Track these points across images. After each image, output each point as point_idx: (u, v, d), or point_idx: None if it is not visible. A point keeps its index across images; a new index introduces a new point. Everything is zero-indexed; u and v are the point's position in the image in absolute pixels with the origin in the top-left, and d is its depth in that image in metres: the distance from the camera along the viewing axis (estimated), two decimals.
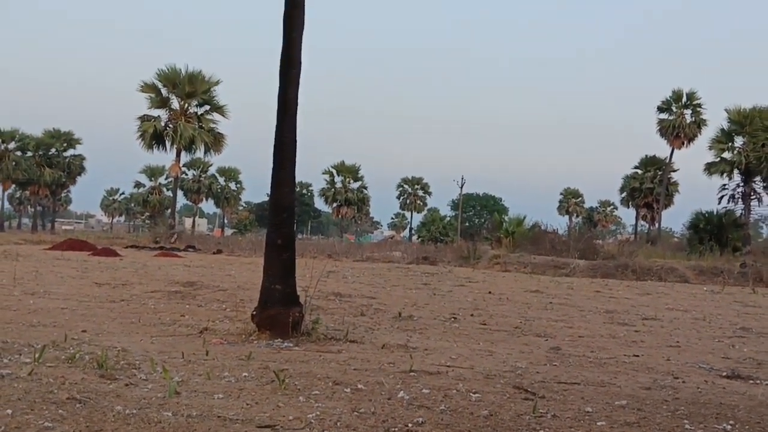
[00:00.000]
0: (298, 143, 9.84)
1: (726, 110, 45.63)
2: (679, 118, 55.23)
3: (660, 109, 56.22)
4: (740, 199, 45.15)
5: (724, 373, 7.13)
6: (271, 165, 9.81)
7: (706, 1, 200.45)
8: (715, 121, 51.90)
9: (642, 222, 72.54)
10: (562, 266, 29.39)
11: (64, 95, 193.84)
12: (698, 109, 55.45)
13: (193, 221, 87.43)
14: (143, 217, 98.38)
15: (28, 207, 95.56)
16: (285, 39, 9.96)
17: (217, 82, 45.17)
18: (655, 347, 9.17)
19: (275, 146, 9.78)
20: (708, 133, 50.83)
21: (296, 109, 9.70)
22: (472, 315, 12.17)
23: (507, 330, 10.34)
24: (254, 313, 8.68)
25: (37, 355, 5.81)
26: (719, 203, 45.15)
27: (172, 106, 45.30)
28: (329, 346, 7.75)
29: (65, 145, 74.40)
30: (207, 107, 45.85)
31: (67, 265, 20.65)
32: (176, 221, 53.09)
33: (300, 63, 9.84)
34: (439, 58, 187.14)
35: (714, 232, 39.74)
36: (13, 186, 76.23)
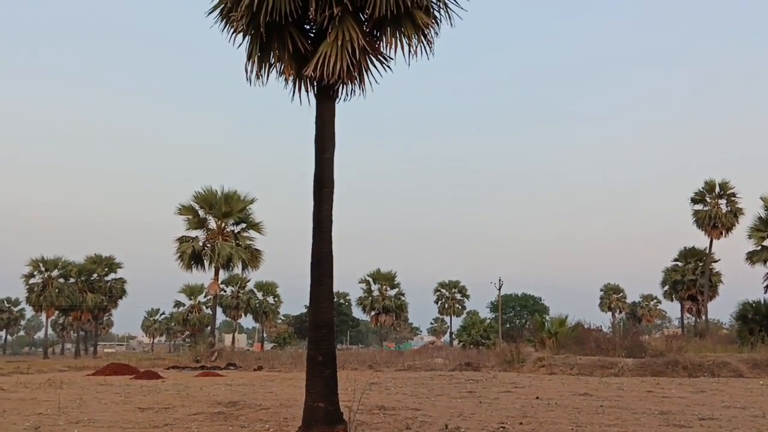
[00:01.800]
0: (334, 257, 9.99)
1: (762, 198, 45.27)
2: (714, 209, 54.78)
3: (694, 201, 55.91)
4: None
5: None
6: (309, 278, 9.94)
7: (726, 93, 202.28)
8: (752, 208, 51.39)
9: (688, 315, 70.83)
10: (609, 366, 28.61)
11: (106, 222, 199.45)
12: (733, 198, 55.04)
13: (233, 338, 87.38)
14: (183, 336, 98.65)
15: (71, 332, 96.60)
16: (317, 159, 10.30)
17: (252, 201, 46.29)
18: None
19: (312, 262, 9.94)
20: (746, 222, 50.30)
21: (331, 225, 9.91)
22: (521, 423, 11.85)
23: None
24: None
25: None
26: (765, 292, 44.09)
27: (209, 226, 46.30)
28: None
29: (107, 269, 75.92)
30: (243, 225, 46.76)
31: (110, 390, 20.68)
32: (216, 339, 53.20)
33: (332, 182, 10.12)
34: (466, 163, 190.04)
35: (764, 322, 38.55)
36: (57, 312, 77.39)
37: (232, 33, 10.70)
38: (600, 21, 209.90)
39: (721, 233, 55.14)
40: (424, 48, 10.77)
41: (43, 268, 71.32)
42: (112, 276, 76.59)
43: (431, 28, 10.78)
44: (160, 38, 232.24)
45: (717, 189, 55.39)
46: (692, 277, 65.69)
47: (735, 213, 54.67)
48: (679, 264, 67.89)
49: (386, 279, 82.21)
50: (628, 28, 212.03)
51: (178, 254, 45.54)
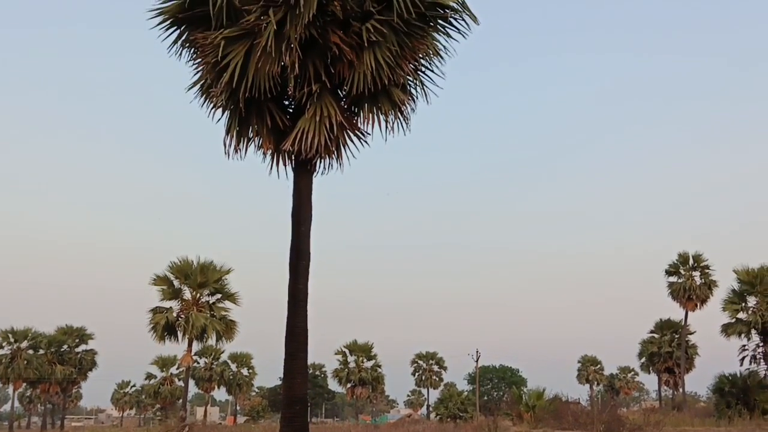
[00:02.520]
0: (309, 328, 9.94)
1: (734, 271, 45.77)
2: (688, 281, 55.30)
3: (668, 273, 56.45)
4: (762, 360, 44.18)
5: None
6: (283, 350, 9.85)
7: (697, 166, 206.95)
8: (725, 281, 51.99)
9: (665, 387, 70.49)
10: None
11: (78, 293, 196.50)
12: (706, 270, 55.68)
13: (205, 411, 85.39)
14: (154, 410, 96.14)
15: (39, 405, 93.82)
16: (294, 232, 10.35)
17: (228, 271, 45.89)
18: None
19: (287, 336, 9.87)
20: (720, 294, 50.71)
21: (306, 299, 9.90)
22: None
23: None
24: None
25: None
26: (741, 364, 44.14)
27: (184, 297, 45.78)
28: None
29: (77, 340, 74.37)
30: (219, 296, 46.29)
31: None
32: (188, 412, 51.95)
33: (309, 254, 10.16)
34: (447, 236, 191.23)
35: (740, 395, 38.49)
36: (24, 385, 75.34)
37: (212, 108, 10.89)
38: (573, 88, 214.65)
39: (696, 305, 55.54)
40: (401, 124, 11.04)
41: (12, 339, 69.70)
42: (82, 347, 74.94)
43: (407, 105, 11.05)
44: (132, 107, 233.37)
45: (691, 261, 56.05)
46: (669, 349, 65.72)
47: (709, 285, 55.19)
48: (656, 336, 67.99)
49: (363, 350, 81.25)
50: (601, 97, 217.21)
51: (152, 325, 44.79)
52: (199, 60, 10.76)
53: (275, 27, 9.89)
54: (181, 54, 11.21)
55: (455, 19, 10.94)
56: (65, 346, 73.50)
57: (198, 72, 10.96)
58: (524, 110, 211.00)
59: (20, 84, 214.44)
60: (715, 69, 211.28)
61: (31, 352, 70.30)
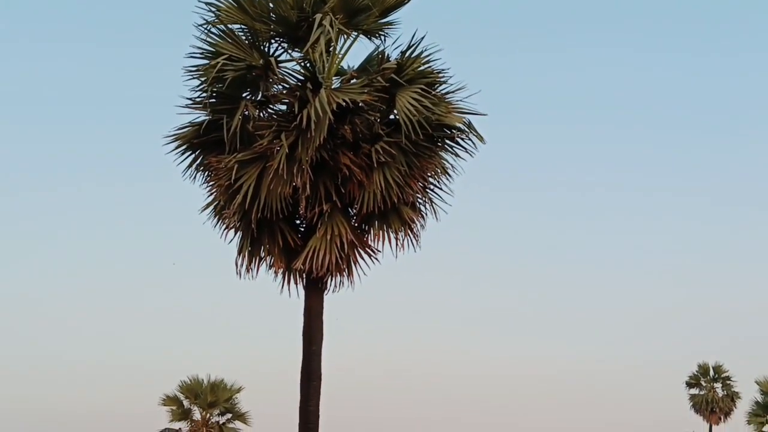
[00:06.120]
0: None
1: (757, 382, 44.66)
2: (710, 393, 53.85)
3: (689, 385, 55.06)
4: None
5: None
6: None
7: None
8: (748, 392, 50.53)
9: None
10: None
11: (83, 413, 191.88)
12: (728, 381, 54.35)
13: None
14: None
15: None
16: (305, 351, 10.30)
17: (239, 389, 45.01)
18: None
19: None
20: (743, 405, 49.22)
21: (318, 422, 9.71)
22: None
23: None
24: None
25: None
26: None
27: (194, 417, 44.86)
28: None
29: None
30: (229, 415, 45.34)
31: None
32: None
33: (320, 375, 10.06)
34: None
35: None
36: None
37: (224, 229, 11.08)
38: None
39: (720, 418, 53.79)
40: (411, 241, 11.18)
41: None
42: None
43: (417, 223, 11.22)
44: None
45: (711, 372, 54.79)
46: None
47: (732, 397, 53.69)
48: None
49: None
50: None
51: None
52: (213, 183, 11.04)
53: (287, 150, 10.20)
54: (195, 177, 11.51)
55: (462, 138, 11.26)
56: None
57: (211, 194, 11.22)
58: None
59: None
60: None
61: None
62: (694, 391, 54.92)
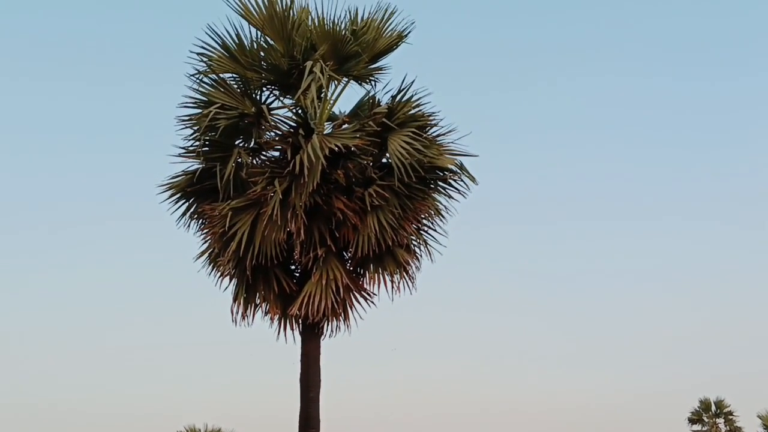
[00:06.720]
0: None
1: (759, 416, 44.31)
2: (713, 429, 53.33)
3: (691, 421, 54.51)
4: None
5: None
6: None
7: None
8: (751, 427, 50.08)
9: None
10: None
11: None
12: (730, 417, 53.86)
13: None
14: None
15: None
16: (302, 398, 10.20)
17: None
18: None
19: None
20: None
21: None
22: None
23: None
24: None
25: None
26: None
27: None
28: None
29: None
30: None
31: None
32: None
33: (319, 422, 9.96)
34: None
35: None
36: None
37: (219, 277, 11.05)
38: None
39: None
40: (407, 283, 11.16)
41: None
42: None
43: (412, 264, 11.22)
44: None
45: (713, 408, 54.31)
46: None
47: None
48: None
49: None
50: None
51: None
52: (207, 230, 11.03)
53: (281, 196, 10.22)
54: (189, 225, 11.50)
55: (454, 180, 11.32)
56: None
57: (206, 242, 11.21)
58: None
59: None
60: None
61: None
62: (696, 427, 54.35)
